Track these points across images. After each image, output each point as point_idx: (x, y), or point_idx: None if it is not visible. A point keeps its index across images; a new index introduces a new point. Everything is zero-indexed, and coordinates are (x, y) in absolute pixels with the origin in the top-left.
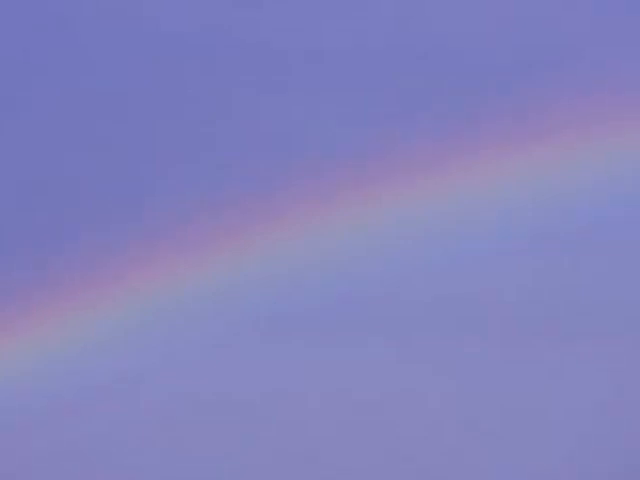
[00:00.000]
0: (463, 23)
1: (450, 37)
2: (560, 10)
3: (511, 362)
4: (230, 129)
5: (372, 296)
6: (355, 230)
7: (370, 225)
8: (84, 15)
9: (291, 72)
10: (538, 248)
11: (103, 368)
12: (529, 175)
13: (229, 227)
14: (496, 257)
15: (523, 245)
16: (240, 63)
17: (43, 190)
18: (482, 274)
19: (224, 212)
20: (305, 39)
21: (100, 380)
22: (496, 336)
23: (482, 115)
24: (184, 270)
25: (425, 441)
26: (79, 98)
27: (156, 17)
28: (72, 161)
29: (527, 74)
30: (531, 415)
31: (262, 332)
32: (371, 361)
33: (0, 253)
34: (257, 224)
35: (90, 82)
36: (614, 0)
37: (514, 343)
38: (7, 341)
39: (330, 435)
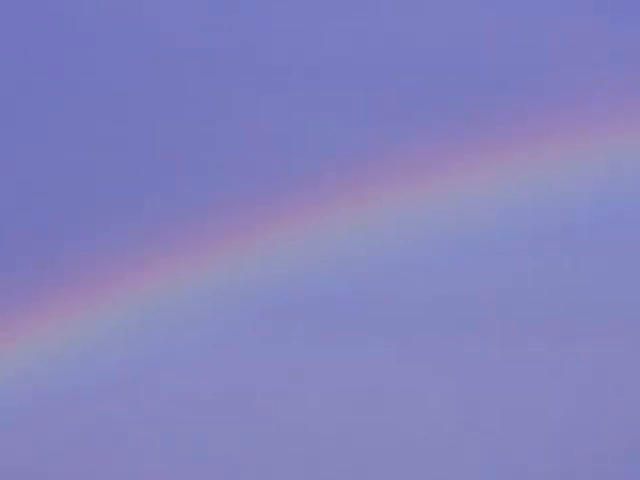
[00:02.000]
0: (463, 23)
1: (450, 37)
2: (560, 11)
3: (511, 362)
4: (230, 129)
5: (372, 296)
6: (355, 230)
7: (370, 225)
8: (84, 15)
9: (291, 72)
10: (538, 248)
11: (103, 368)
12: (529, 175)
13: (229, 227)
14: (496, 257)
15: (523, 245)
16: (240, 63)
17: (43, 190)
18: (482, 274)
19: (224, 212)
20: (305, 39)
21: (100, 380)
22: (496, 336)
23: (482, 115)
24: (184, 270)
25: (425, 441)
26: (79, 98)
27: (156, 17)
28: (72, 161)
29: (527, 74)
30: (531, 415)
31: (262, 332)
32: (371, 361)
33: (0, 253)
34: (257, 224)
35: (90, 82)
36: (614, 0)
37: (514, 343)
38: (7, 341)
39: (330, 435)
